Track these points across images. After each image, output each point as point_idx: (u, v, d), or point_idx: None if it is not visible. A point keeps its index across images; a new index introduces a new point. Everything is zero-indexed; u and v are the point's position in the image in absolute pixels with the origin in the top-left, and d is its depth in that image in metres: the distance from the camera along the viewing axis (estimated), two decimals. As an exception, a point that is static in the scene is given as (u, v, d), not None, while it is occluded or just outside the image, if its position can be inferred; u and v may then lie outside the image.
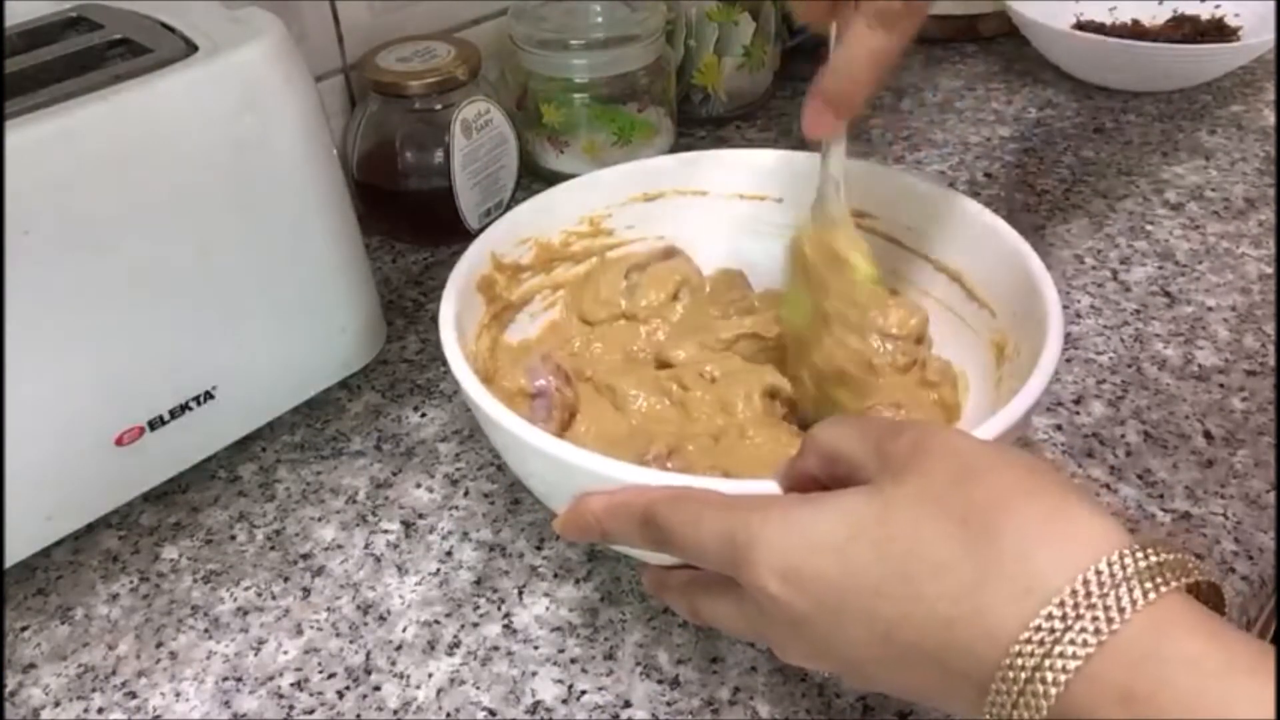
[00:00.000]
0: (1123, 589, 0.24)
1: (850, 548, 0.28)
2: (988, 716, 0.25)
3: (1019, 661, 0.24)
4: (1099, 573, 0.24)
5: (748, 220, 0.54)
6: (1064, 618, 0.24)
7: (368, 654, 0.41)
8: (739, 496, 0.31)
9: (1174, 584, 0.24)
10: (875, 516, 0.28)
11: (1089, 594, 0.24)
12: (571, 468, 0.35)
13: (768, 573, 0.29)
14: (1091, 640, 0.23)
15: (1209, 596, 0.25)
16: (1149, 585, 0.24)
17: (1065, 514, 0.26)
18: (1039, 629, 0.24)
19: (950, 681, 0.26)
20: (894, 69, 0.38)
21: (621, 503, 0.34)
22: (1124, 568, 0.24)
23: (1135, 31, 0.82)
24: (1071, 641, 0.23)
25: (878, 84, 0.38)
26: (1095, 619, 0.23)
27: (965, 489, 0.27)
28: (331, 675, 0.40)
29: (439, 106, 0.60)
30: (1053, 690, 0.23)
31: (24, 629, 0.43)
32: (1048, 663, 0.24)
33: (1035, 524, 0.26)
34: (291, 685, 0.40)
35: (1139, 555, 0.24)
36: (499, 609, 0.43)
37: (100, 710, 0.40)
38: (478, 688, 0.40)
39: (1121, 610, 0.23)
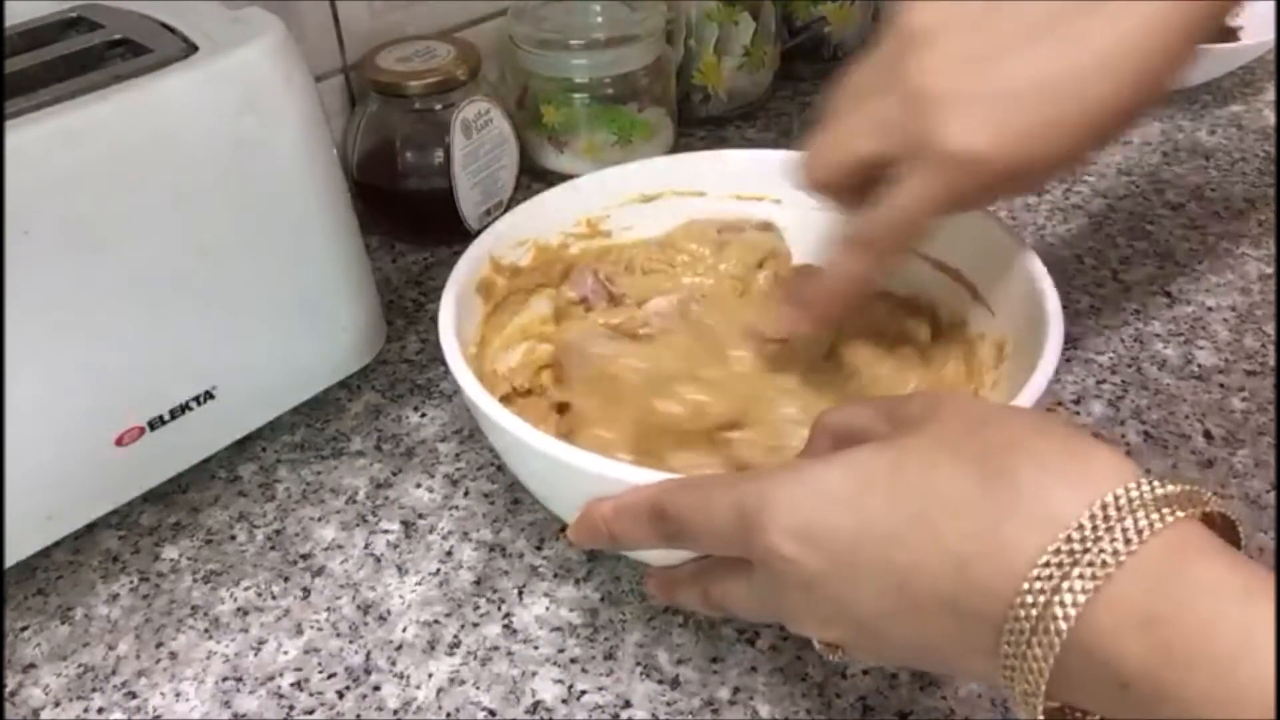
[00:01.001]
0: (1139, 514, 0.24)
1: (863, 498, 0.27)
2: (1004, 651, 0.25)
3: (1036, 585, 0.24)
4: (1114, 498, 0.24)
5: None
6: (1081, 541, 0.24)
7: (368, 654, 0.41)
8: (748, 472, 0.31)
9: (1189, 510, 0.24)
10: (888, 464, 0.28)
11: (1105, 518, 0.24)
12: (570, 468, 0.35)
13: (780, 533, 0.28)
14: (1110, 561, 0.23)
15: (1224, 530, 0.25)
16: (1164, 511, 0.24)
17: (1080, 450, 0.26)
18: (1055, 554, 0.24)
19: (966, 628, 0.26)
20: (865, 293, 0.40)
21: (628, 502, 0.33)
22: (1139, 495, 0.24)
23: (1135, 31, 0.81)
24: (1090, 563, 0.23)
25: (849, 303, 0.40)
26: (1113, 542, 0.23)
27: (979, 434, 0.27)
28: (331, 675, 0.40)
29: (439, 106, 0.60)
30: (1071, 612, 0.23)
31: (24, 629, 0.43)
32: (1065, 585, 0.23)
33: (1051, 460, 0.26)
34: (291, 685, 0.40)
35: (1154, 484, 0.24)
36: (499, 609, 0.43)
37: (100, 710, 0.40)
38: (478, 688, 0.40)
39: (1140, 532, 0.23)
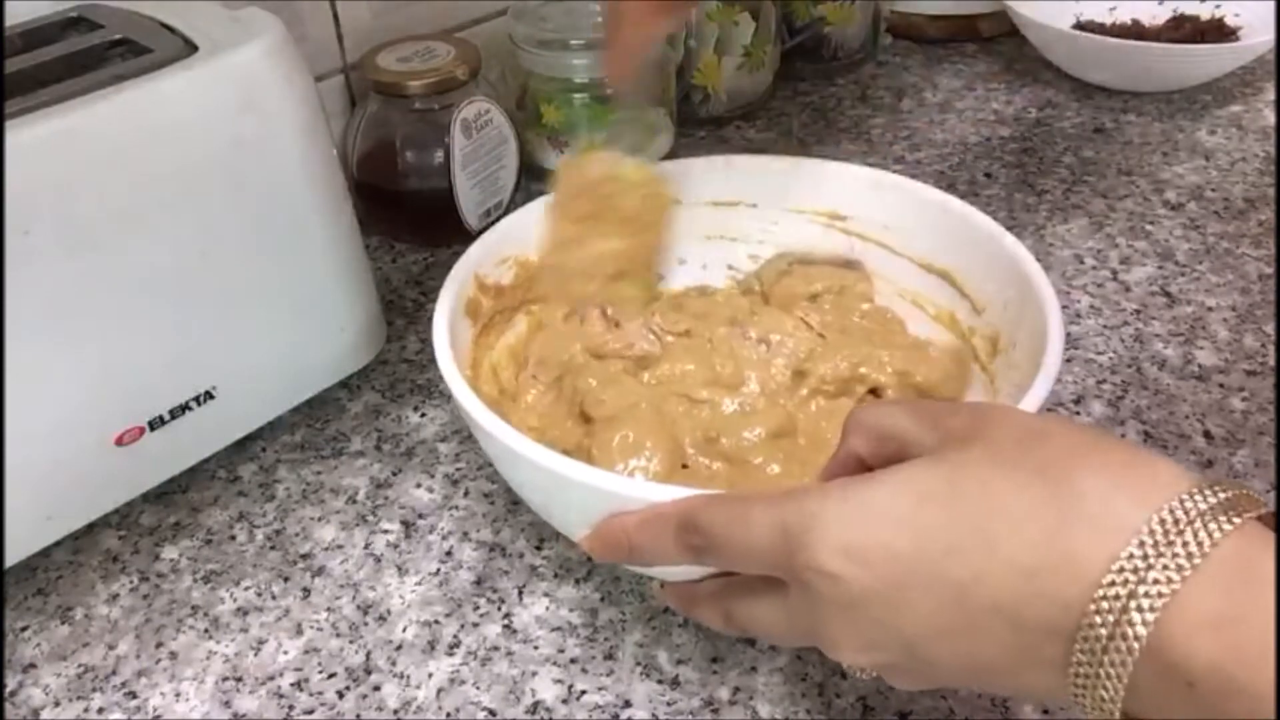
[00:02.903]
0: (1207, 518, 0.24)
1: (918, 514, 0.27)
2: (1075, 661, 0.24)
3: (1110, 594, 0.24)
4: (1179, 505, 0.24)
5: (722, 227, 0.54)
6: (1154, 546, 0.24)
7: (368, 654, 0.41)
8: (791, 489, 0.30)
9: (1249, 514, 0.24)
10: (944, 479, 0.27)
11: (1175, 524, 0.24)
12: (562, 479, 0.35)
13: (828, 552, 0.27)
14: (1184, 566, 0.23)
15: (1273, 527, 0.26)
16: (1228, 515, 0.24)
17: (1138, 460, 0.26)
18: (1128, 560, 0.24)
19: (1028, 641, 0.25)
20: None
21: (655, 516, 0.33)
22: (1203, 501, 0.24)
23: (1135, 31, 0.82)
24: (1165, 568, 0.23)
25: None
26: (1185, 546, 0.24)
27: (1035, 446, 0.27)
28: (331, 675, 0.40)
29: (439, 106, 0.60)
30: (1149, 617, 0.23)
31: (24, 629, 0.43)
32: (1141, 591, 0.23)
33: (1111, 469, 0.26)
34: (291, 685, 0.40)
35: (1214, 491, 0.25)
36: (499, 609, 0.43)
37: (100, 710, 0.40)
38: (478, 688, 0.40)
39: (1210, 536, 0.24)
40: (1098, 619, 0.24)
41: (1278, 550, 0.24)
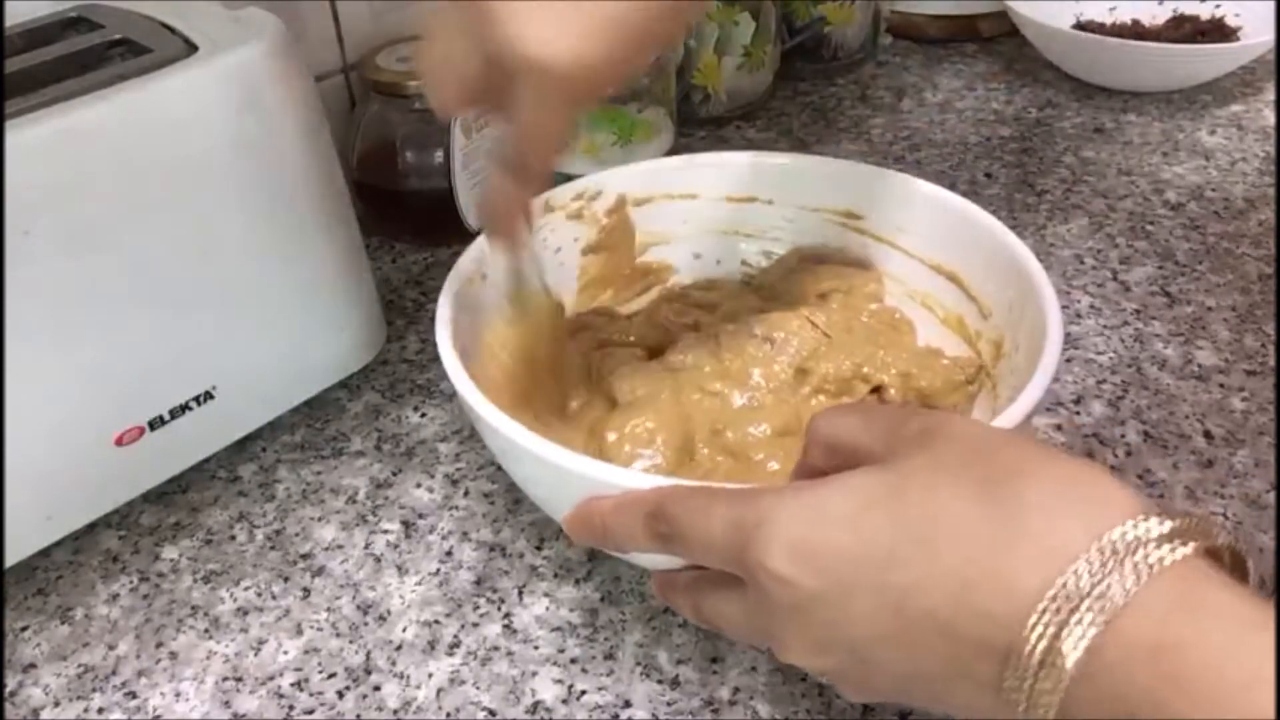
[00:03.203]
0: (1150, 547, 0.24)
1: (863, 517, 0.27)
2: (1008, 685, 0.24)
3: (1043, 620, 0.24)
4: (1124, 533, 0.24)
5: (737, 223, 0.54)
6: (1090, 574, 0.23)
7: (368, 654, 0.41)
8: (751, 488, 0.30)
9: (1196, 544, 0.24)
10: (889, 486, 0.27)
11: (1115, 552, 0.24)
12: (567, 472, 0.35)
13: (776, 550, 0.28)
14: (1120, 596, 0.23)
15: (1233, 566, 0.25)
16: (1174, 544, 0.24)
17: (1086, 479, 0.26)
18: (1064, 588, 0.23)
19: (963, 655, 0.25)
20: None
21: (629, 501, 0.33)
22: (1151, 528, 0.24)
23: (1135, 31, 0.82)
24: (1100, 596, 0.23)
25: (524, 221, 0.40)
26: (1122, 576, 0.23)
27: (983, 458, 0.27)
28: (331, 675, 0.40)
29: (439, 106, 0.60)
30: (1083, 644, 0.23)
31: (24, 629, 0.43)
32: (1075, 617, 0.23)
33: (1057, 487, 0.25)
34: (291, 685, 0.40)
35: (1165, 517, 0.24)
36: (499, 609, 0.43)
37: (100, 710, 0.40)
38: (478, 688, 0.40)
39: (1150, 566, 0.23)
40: (1030, 644, 0.24)
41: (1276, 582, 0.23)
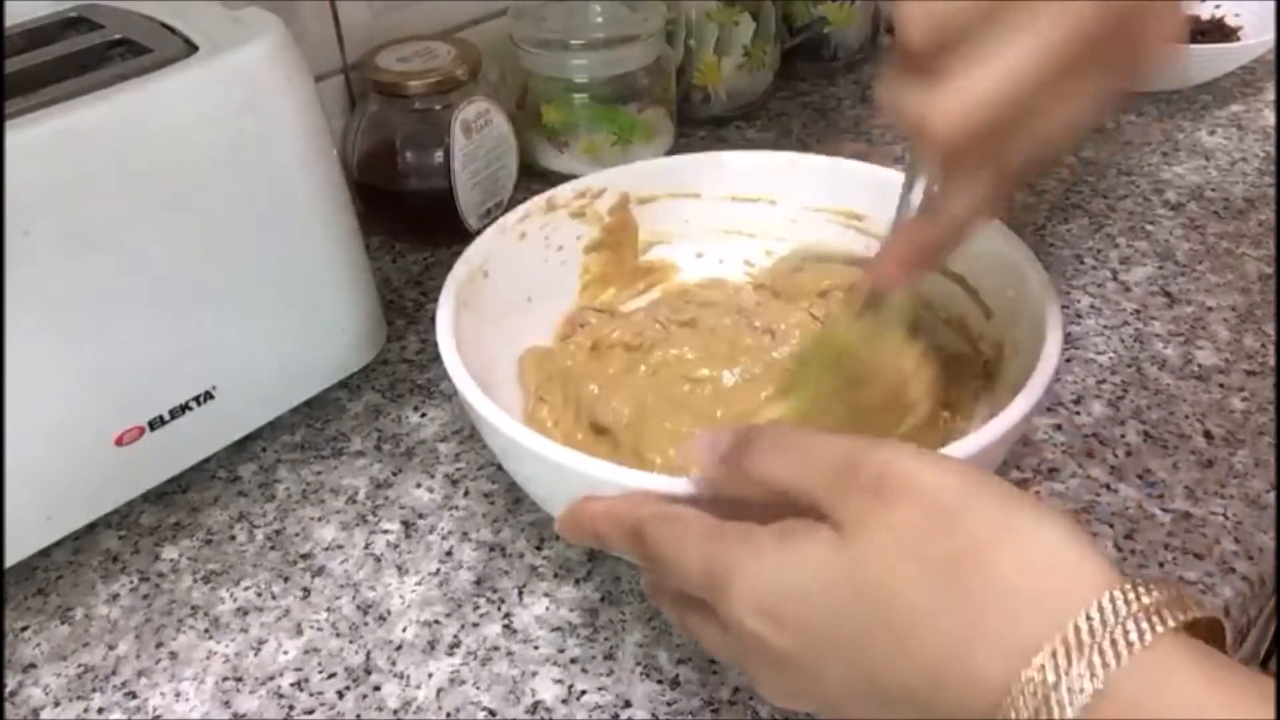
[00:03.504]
0: (1118, 631, 0.23)
1: (826, 597, 0.27)
2: None
3: (1013, 715, 0.23)
4: (1092, 617, 0.23)
5: (740, 222, 0.54)
6: (1058, 666, 0.23)
7: (368, 654, 0.41)
8: (726, 526, 0.30)
9: (1171, 622, 0.23)
10: (849, 569, 0.26)
11: (1082, 641, 0.23)
12: (568, 471, 0.35)
13: (745, 609, 0.28)
14: (1088, 686, 0.22)
15: (1209, 632, 0.25)
16: (1145, 625, 0.23)
17: (1052, 557, 0.25)
18: (1032, 680, 0.23)
19: None
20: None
21: (616, 513, 0.33)
22: (1118, 610, 0.23)
23: (1135, 31, 0.81)
24: (1069, 689, 0.22)
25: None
26: (1091, 664, 0.23)
27: (941, 534, 0.25)
28: (331, 675, 0.40)
29: (439, 106, 0.60)
30: None
31: (24, 629, 0.43)
32: (1043, 713, 0.23)
33: (1021, 572, 0.24)
34: (291, 685, 0.40)
35: (1132, 594, 0.23)
36: (499, 609, 0.43)
37: (100, 710, 0.40)
38: (478, 688, 0.40)
39: (1118, 655, 0.23)
40: None
41: None
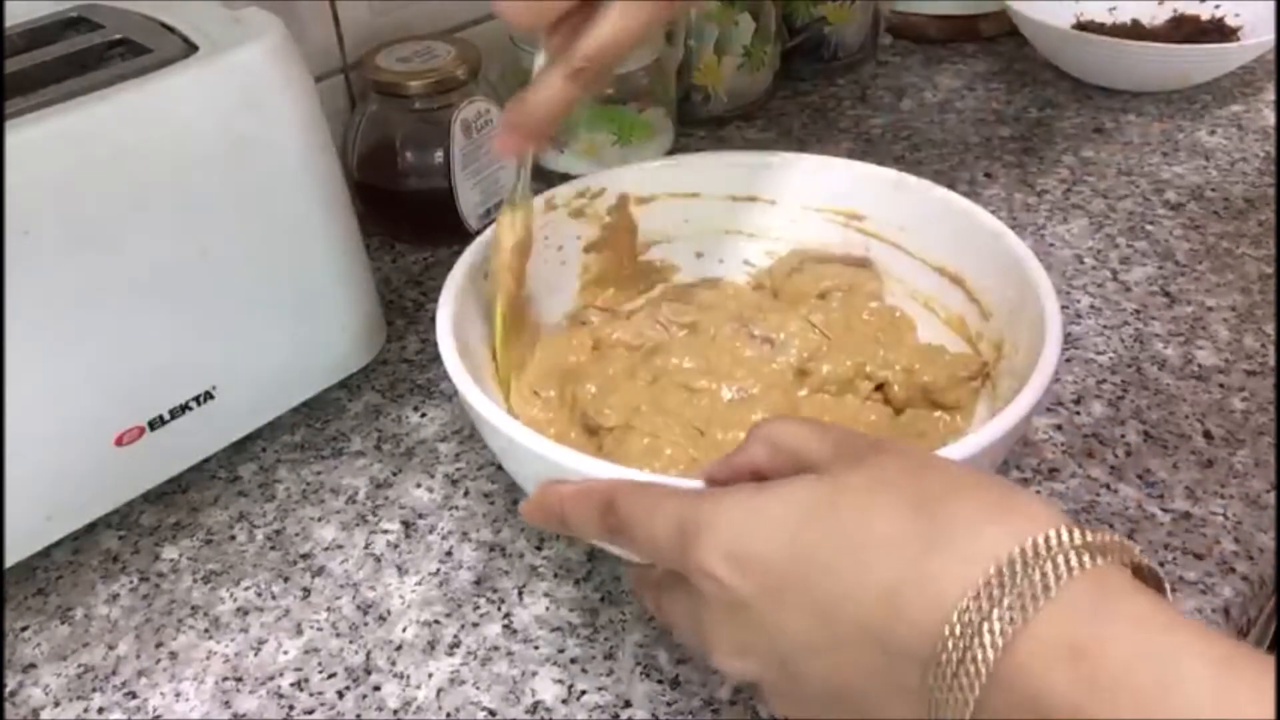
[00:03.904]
0: (1069, 554, 0.24)
1: (800, 528, 0.27)
2: (929, 685, 0.24)
3: (963, 619, 0.24)
4: (1043, 539, 0.24)
5: (739, 222, 0.54)
6: (1010, 576, 0.24)
7: (368, 654, 0.41)
8: (699, 489, 0.31)
9: (1115, 557, 0.25)
10: (826, 498, 0.28)
11: (1034, 555, 0.24)
12: (569, 472, 0.35)
13: (714, 554, 0.28)
14: (1037, 595, 0.23)
15: (1150, 579, 0.26)
16: (1091, 554, 0.24)
17: (1015, 498, 0.26)
18: (984, 587, 0.24)
19: (892, 664, 0.26)
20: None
21: (585, 490, 0.34)
22: (1067, 539, 0.24)
23: (1135, 31, 0.82)
24: (1018, 596, 0.23)
25: (559, 121, 0.42)
26: (1042, 577, 0.24)
27: (918, 476, 0.27)
28: (331, 675, 0.40)
29: (439, 106, 0.60)
30: (999, 641, 0.23)
31: (24, 629, 0.43)
32: (991, 619, 0.23)
33: (986, 506, 0.26)
34: (291, 685, 0.40)
35: (1083, 531, 0.25)
36: (499, 609, 0.43)
37: (100, 710, 0.40)
38: (478, 688, 0.40)
39: (1070, 569, 0.24)
40: (950, 643, 0.24)
41: None
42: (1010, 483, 0.28)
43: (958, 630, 0.24)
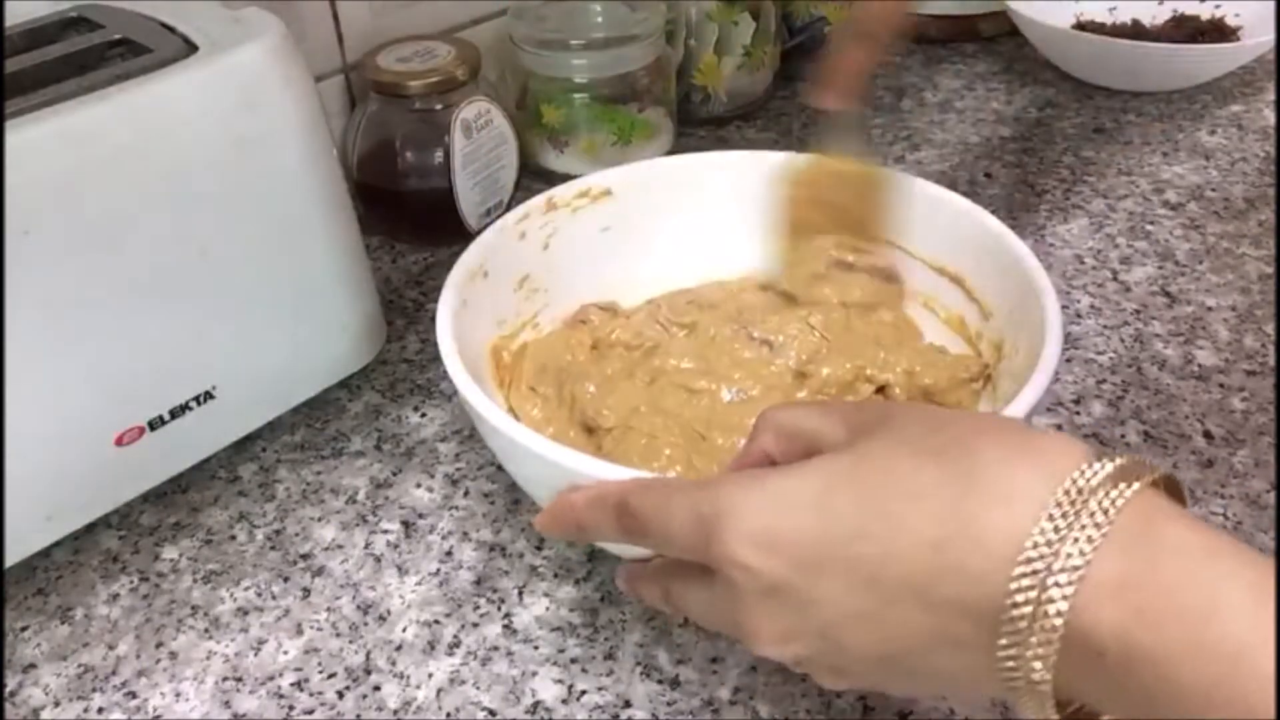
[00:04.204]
0: (1107, 487, 0.24)
1: (825, 499, 0.27)
2: (1001, 646, 0.24)
3: (1028, 569, 0.24)
4: (1080, 475, 0.24)
5: (738, 223, 0.54)
6: (1063, 518, 0.24)
7: (368, 654, 0.41)
8: (710, 479, 0.31)
9: (1144, 479, 0.25)
10: (848, 467, 0.28)
11: (1079, 494, 0.24)
12: (568, 473, 0.35)
13: (740, 541, 0.28)
14: (1095, 536, 0.23)
15: (1169, 490, 0.26)
16: (1124, 484, 0.24)
17: (1032, 436, 0.27)
18: (1040, 534, 0.24)
19: (941, 619, 0.25)
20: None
21: (599, 494, 0.33)
22: (1099, 471, 0.25)
23: (1135, 31, 0.82)
24: (1076, 540, 0.23)
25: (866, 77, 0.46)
26: (1091, 515, 0.24)
27: (936, 432, 0.27)
28: (331, 675, 0.40)
29: (439, 106, 0.60)
30: (1068, 591, 0.23)
31: (24, 629, 0.43)
32: (1057, 564, 0.23)
33: (1008, 446, 0.26)
34: (291, 685, 0.40)
35: (1107, 460, 0.25)
36: (499, 609, 0.43)
37: (100, 710, 0.40)
38: (478, 688, 0.40)
39: (1114, 503, 0.24)
40: (1019, 598, 0.24)
41: None
42: (1022, 423, 0.28)
43: (1024, 584, 0.24)
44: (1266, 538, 0.44)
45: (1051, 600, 0.23)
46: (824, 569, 0.27)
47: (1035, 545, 0.24)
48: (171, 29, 0.44)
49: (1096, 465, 0.25)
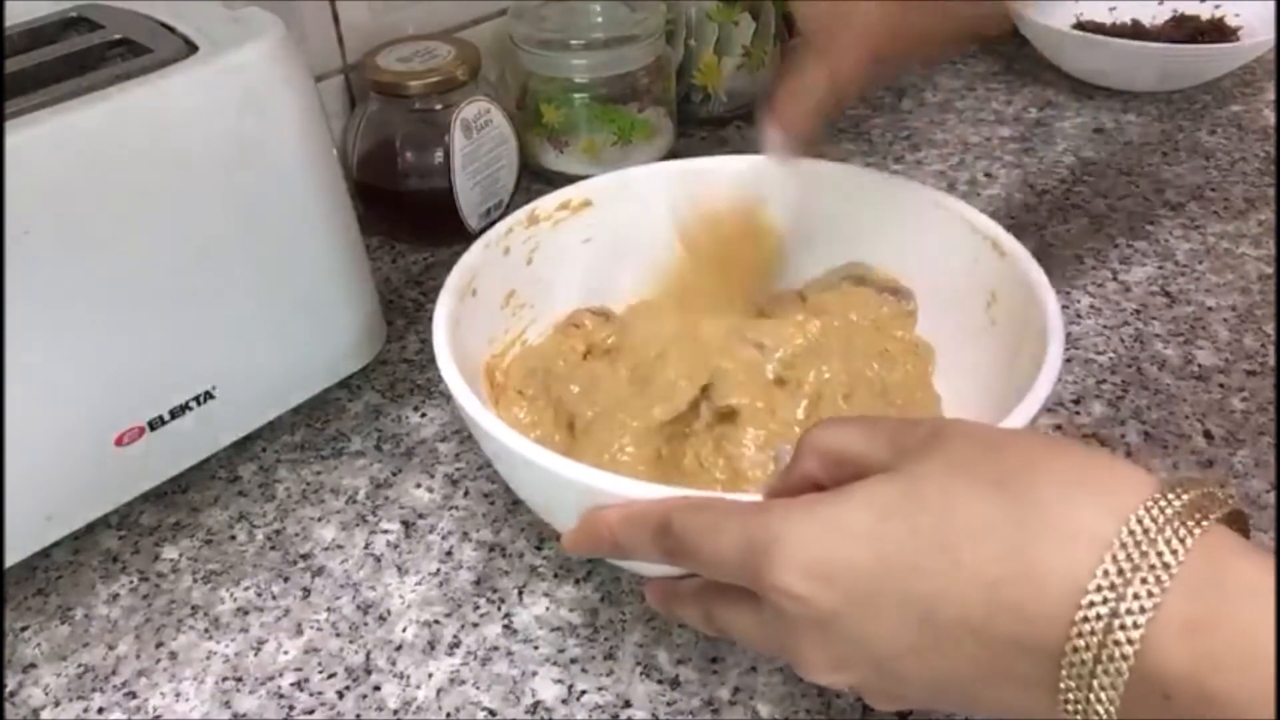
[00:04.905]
0: (1175, 524, 0.24)
1: (879, 531, 0.26)
2: (1065, 688, 0.24)
3: (1092, 612, 0.23)
4: (1146, 512, 0.24)
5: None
6: (1128, 559, 0.23)
7: (368, 654, 0.41)
8: (760, 502, 0.30)
9: (1213, 517, 0.24)
10: (903, 494, 0.27)
11: (1145, 534, 0.23)
12: (561, 479, 0.35)
13: (792, 571, 0.27)
14: (1163, 577, 0.23)
15: (1237, 524, 0.25)
16: (1192, 522, 0.24)
17: (1096, 465, 0.26)
18: (1104, 577, 0.23)
19: (1000, 657, 0.25)
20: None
21: (636, 513, 0.32)
22: (1166, 507, 0.24)
23: (1135, 31, 0.82)
24: (1144, 581, 0.23)
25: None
26: (1159, 556, 0.23)
27: (994, 456, 0.27)
28: (331, 675, 0.40)
29: (439, 106, 0.60)
30: (1135, 635, 0.23)
31: (24, 629, 0.43)
32: (1123, 606, 0.23)
33: (1070, 477, 0.25)
34: (291, 685, 0.40)
35: (1175, 494, 0.24)
36: (499, 609, 0.43)
37: (100, 710, 0.40)
38: (478, 688, 0.40)
39: (1183, 543, 0.23)
40: (1080, 641, 0.23)
41: None
42: (1083, 445, 0.27)
43: (1087, 627, 0.23)
44: (1267, 538, 0.44)
45: (1118, 643, 0.23)
46: (878, 603, 0.26)
47: (1099, 589, 0.23)
48: (171, 29, 0.44)
49: (1163, 501, 0.24)
